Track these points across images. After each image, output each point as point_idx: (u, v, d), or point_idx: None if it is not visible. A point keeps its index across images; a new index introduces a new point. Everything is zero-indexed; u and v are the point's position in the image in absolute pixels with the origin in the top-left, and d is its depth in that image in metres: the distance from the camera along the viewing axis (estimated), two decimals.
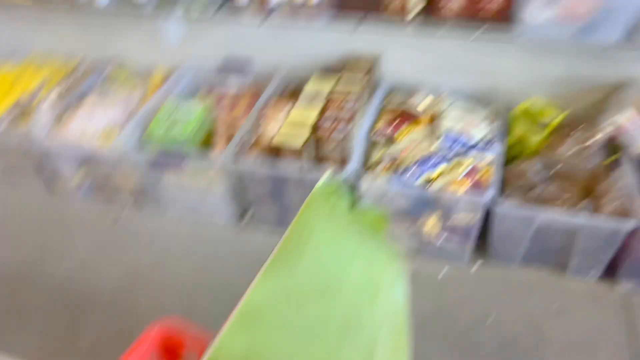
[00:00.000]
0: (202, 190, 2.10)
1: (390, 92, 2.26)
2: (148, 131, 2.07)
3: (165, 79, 2.46)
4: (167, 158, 2.04)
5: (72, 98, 2.35)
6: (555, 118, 1.92)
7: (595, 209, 1.73)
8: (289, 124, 1.95)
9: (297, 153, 1.87)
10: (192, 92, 2.50)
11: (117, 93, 2.36)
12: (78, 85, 2.41)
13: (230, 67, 2.47)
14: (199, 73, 2.52)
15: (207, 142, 2.17)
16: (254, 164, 1.95)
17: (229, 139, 2.14)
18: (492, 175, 1.80)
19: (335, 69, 2.28)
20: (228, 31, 2.36)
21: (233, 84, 2.51)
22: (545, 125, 1.95)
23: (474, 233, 1.83)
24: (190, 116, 2.11)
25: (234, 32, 2.36)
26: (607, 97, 2.07)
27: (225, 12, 1.94)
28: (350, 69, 2.19)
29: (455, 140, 1.84)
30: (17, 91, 2.29)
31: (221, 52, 2.46)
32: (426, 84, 2.19)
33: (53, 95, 2.30)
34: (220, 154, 2.02)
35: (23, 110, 2.29)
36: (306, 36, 2.28)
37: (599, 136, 1.81)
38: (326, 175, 0.99)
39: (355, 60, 2.26)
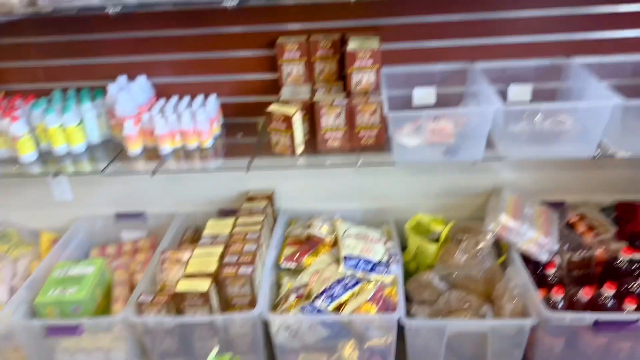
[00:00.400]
0: (105, 351, 1.92)
1: (290, 222, 2.32)
2: (39, 298, 1.90)
3: (55, 239, 2.34)
4: (61, 325, 1.87)
5: None
6: (444, 229, 2.07)
7: (497, 310, 1.82)
8: (191, 269, 1.90)
9: (203, 299, 1.80)
10: (86, 250, 2.38)
11: (2, 263, 2.19)
12: None
13: (125, 219, 2.43)
14: (92, 229, 2.43)
15: (105, 300, 2.04)
16: (157, 316, 1.84)
17: (129, 294, 2.03)
18: (397, 294, 1.84)
19: (232, 209, 2.33)
20: (121, 183, 2.35)
21: (129, 237, 2.44)
22: (436, 238, 2.08)
23: (392, 353, 1.82)
24: (83, 277, 1.99)
25: (127, 184, 2.35)
26: (484, 203, 2.29)
27: (117, 165, 1.95)
28: (248, 207, 2.24)
29: (356, 264, 1.89)
30: None
31: (114, 205, 2.42)
32: (322, 210, 2.29)
33: None
34: (120, 311, 1.89)
35: None
36: (201, 180, 2.34)
37: (486, 240, 1.96)
38: (214, 353, 0.97)
39: (252, 197, 2.33)
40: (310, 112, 1.91)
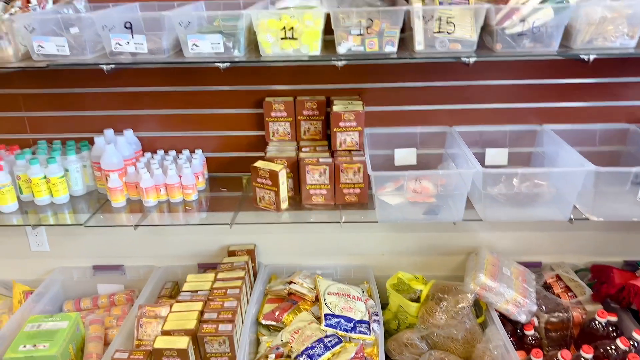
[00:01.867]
0: None
1: (271, 277, 2.31)
2: (8, 353, 1.83)
3: (29, 291, 2.27)
4: None
5: None
6: (424, 288, 2.08)
7: None
8: (169, 326, 1.86)
9: (181, 356, 1.76)
10: (60, 304, 2.32)
11: None
12: None
13: (102, 272, 2.38)
14: (68, 281, 2.38)
15: (78, 357, 1.97)
16: None
17: (103, 350, 1.96)
18: (379, 354, 1.83)
19: (213, 263, 2.31)
20: (99, 234, 2.33)
21: (105, 290, 2.39)
22: (417, 297, 2.10)
23: None
24: (56, 332, 1.92)
25: (106, 235, 2.33)
26: (463, 262, 2.32)
27: (100, 217, 1.94)
28: (229, 262, 2.23)
29: (337, 323, 1.88)
30: None
31: (92, 257, 2.39)
32: (303, 266, 2.30)
33: None
34: None
35: None
36: (182, 234, 2.33)
37: (466, 300, 1.97)
38: None
39: (233, 252, 2.32)
40: (296, 169, 1.95)
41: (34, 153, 2.08)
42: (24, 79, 2.09)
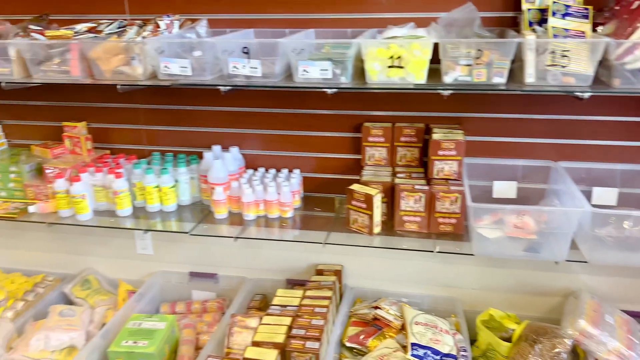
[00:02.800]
0: None
1: (355, 300, 2.32)
2: (112, 347, 1.98)
3: (132, 290, 2.45)
4: None
5: (33, 313, 2.28)
6: (517, 328, 1.99)
7: None
8: (259, 338, 1.93)
9: None
10: (158, 306, 2.47)
11: (82, 307, 2.31)
12: (41, 300, 2.36)
13: (198, 279, 2.51)
14: (166, 285, 2.53)
15: (172, 357, 2.08)
16: None
17: (194, 353, 2.07)
18: None
19: (300, 280, 2.37)
20: (198, 243, 2.46)
21: (199, 296, 2.52)
22: (508, 336, 2.01)
23: None
24: (154, 331, 2.05)
25: (204, 244, 2.46)
26: (560, 305, 2.20)
27: (203, 227, 2.06)
28: (317, 281, 2.28)
29: (424, 354, 1.84)
30: None
31: (189, 264, 2.53)
32: (389, 292, 2.28)
33: (13, 311, 2.23)
34: None
35: None
36: (274, 249, 2.40)
37: (564, 345, 1.87)
38: None
39: (321, 271, 2.36)
40: (390, 195, 1.97)
41: (149, 163, 2.26)
42: (146, 96, 2.29)
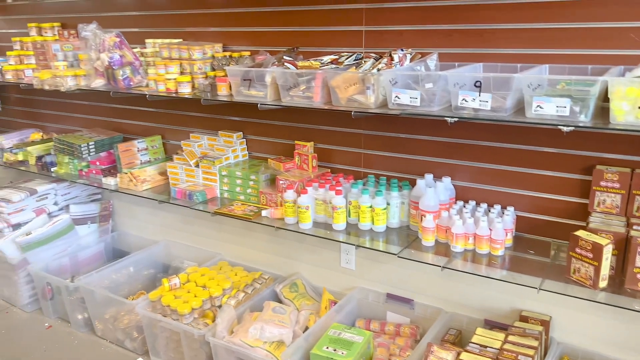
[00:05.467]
0: None
1: (562, 357, 2.12)
2: (315, 349, 2.15)
3: (332, 301, 2.62)
4: None
5: (250, 305, 2.59)
6: None
7: None
8: None
9: None
10: (354, 320, 2.60)
11: (290, 308, 2.56)
12: (257, 295, 2.67)
13: (394, 301, 2.57)
14: (363, 301, 2.65)
15: None
16: None
17: None
18: None
19: (502, 324, 2.26)
20: (398, 266, 2.53)
21: (393, 319, 2.57)
22: None
23: None
24: (352, 343, 2.17)
25: (404, 269, 2.52)
26: None
27: (409, 251, 2.13)
28: (521, 327, 2.15)
29: None
30: (207, 291, 2.61)
31: (387, 285, 2.61)
32: (606, 357, 2.04)
33: (235, 300, 2.57)
34: None
35: (210, 308, 2.57)
36: (477, 286, 2.34)
37: None
38: None
39: (525, 317, 2.22)
40: (623, 247, 1.77)
41: (364, 184, 2.41)
42: (369, 122, 2.46)
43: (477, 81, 1.77)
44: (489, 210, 2.18)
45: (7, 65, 3.30)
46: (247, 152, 2.88)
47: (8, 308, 3.24)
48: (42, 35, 3.30)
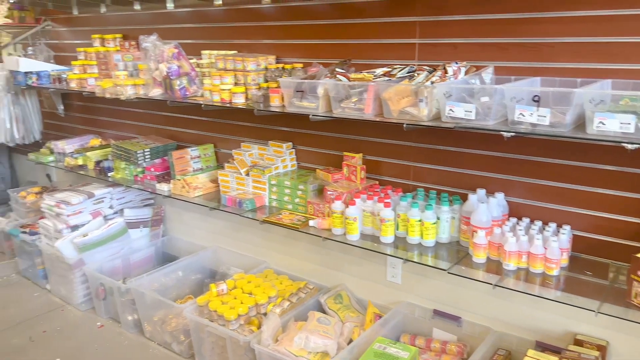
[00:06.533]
0: None
1: None
2: None
3: (377, 314, 2.60)
4: None
5: (295, 314, 2.61)
6: None
7: None
8: None
9: None
10: (399, 334, 2.56)
11: (334, 319, 2.55)
12: (302, 304, 2.68)
13: (441, 318, 2.52)
14: (409, 316, 2.61)
15: None
16: None
17: None
18: None
19: (555, 347, 2.17)
20: (446, 282, 2.48)
21: (439, 336, 2.52)
22: None
23: None
24: (398, 359, 2.13)
25: (452, 285, 2.47)
26: None
27: (459, 267, 2.09)
28: (576, 351, 2.06)
29: None
30: (253, 298, 2.64)
31: (434, 301, 2.56)
32: None
33: (280, 308, 2.58)
34: None
35: (255, 315, 2.60)
36: (528, 306, 2.27)
37: None
38: None
39: (580, 341, 2.13)
40: None
41: (413, 197, 2.39)
42: (419, 135, 2.44)
43: (535, 95, 1.73)
44: (544, 228, 2.11)
45: (71, 74, 3.48)
46: (295, 162, 2.92)
47: (64, 306, 3.38)
48: (104, 46, 3.47)
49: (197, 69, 2.88)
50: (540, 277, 1.99)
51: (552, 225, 2.10)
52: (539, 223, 2.14)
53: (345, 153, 2.64)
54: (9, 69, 3.89)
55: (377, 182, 2.62)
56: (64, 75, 3.57)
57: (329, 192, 2.48)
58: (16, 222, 3.96)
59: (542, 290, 1.95)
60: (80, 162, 3.65)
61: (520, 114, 1.78)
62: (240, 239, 3.29)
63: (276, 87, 2.49)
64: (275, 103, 2.48)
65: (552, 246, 1.96)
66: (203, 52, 3.01)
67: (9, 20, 3.96)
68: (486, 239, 2.08)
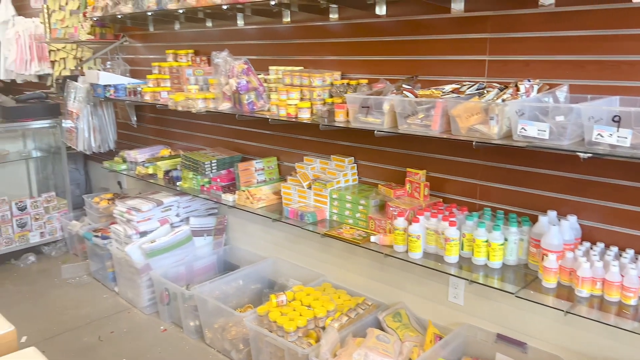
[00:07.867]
0: None
1: None
2: None
3: (437, 335, 2.54)
4: None
5: (353, 329, 2.59)
6: None
7: None
8: None
9: None
10: (460, 357, 2.49)
11: (393, 337, 2.52)
12: (360, 320, 2.67)
13: (505, 342, 2.43)
14: (471, 339, 2.54)
15: None
16: None
17: None
18: None
19: None
20: (511, 305, 2.39)
21: None
22: None
23: None
24: None
25: (518, 309, 2.38)
26: None
27: (528, 291, 2.01)
28: None
29: None
30: (312, 311, 2.65)
31: (498, 324, 2.47)
32: None
33: (338, 323, 2.58)
34: None
35: (313, 328, 2.61)
36: (602, 335, 2.15)
37: None
38: None
39: None
40: None
41: (479, 217, 2.33)
42: (487, 153, 2.39)
43: (616, 116, 1.66)
44: (620, 255, 2.00)
45: (146, 87, 3.67)
46: (357, 176, 2.93)
47: (130, 309, 3.53)
48: (177, 61, 3.63)
49: (265, 84, 2.96)
50: (617, 306, 1.88)
51: (630, 252, 1.99)
52: (614, 249, 2.03)
53: (408, 169, 2.62)
54: (89, 82, 4.15)
55: (440, 200, 2.58)
56: (139, 88, 3.76)
57: (391, 208, 2.46)
58: (89, 226, 4.20)
59: (618, 320, 1.85)
60: (150, 171, 3.82)
61: (599, 134, 1.70)
62: (299, 251, 3.32)
63: (341, 103, 2.51)
64: (339, 118, 2.51)
65: (630, 274, 1.85)
66: (270, 67, 3.09)
67: (91, 37, 4.23)
68: (557, 263, 2.00)
